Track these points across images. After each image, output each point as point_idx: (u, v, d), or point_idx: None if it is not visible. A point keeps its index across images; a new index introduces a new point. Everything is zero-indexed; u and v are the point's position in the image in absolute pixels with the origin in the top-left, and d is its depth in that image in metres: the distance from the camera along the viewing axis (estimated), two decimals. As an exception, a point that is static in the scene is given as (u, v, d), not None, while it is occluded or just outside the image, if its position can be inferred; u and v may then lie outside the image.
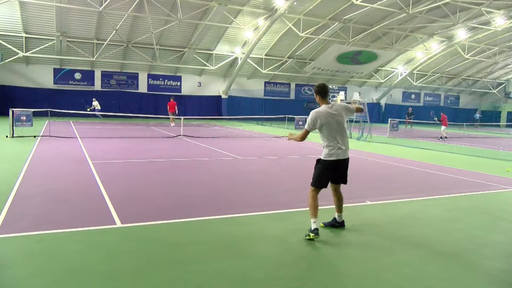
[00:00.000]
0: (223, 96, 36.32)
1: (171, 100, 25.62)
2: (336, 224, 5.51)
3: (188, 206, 6.43)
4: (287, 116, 25.73)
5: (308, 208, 5.20)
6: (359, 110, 5.68)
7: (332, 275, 4.10)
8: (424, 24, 30.88)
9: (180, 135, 18.28)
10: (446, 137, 22.25)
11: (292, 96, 40.36)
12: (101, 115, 28.63)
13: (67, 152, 11.81)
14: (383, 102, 44.92)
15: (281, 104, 38.48)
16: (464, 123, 31.38)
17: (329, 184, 5.33)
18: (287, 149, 14.92)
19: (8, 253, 4.33)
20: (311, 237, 4.91)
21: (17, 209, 5.83)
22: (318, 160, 5.24)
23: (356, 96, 25.35)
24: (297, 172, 10.23)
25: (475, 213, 6.70)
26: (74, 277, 3.80)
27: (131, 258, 4.28)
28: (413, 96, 47.27)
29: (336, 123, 5.13)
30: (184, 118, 20.78)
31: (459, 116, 45.50)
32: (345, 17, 28.84)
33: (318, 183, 5.17)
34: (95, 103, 28.91)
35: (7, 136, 15.02)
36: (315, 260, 4.46)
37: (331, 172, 5.20)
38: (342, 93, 23.69)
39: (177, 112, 25.37)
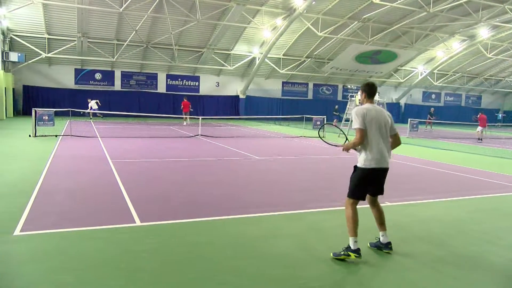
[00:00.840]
0: (241, 96, 36.40)
1: (185, 100, 26.48)
2: (381, 246, 4.71)
3: (206, 206, 6.46)
4: (304, 116, 25.64)
5: (346, 223, 4.50)
6: (396, 137, 4.75)
7: (351, 277, 4.06)
8: (445, 23, 30.35)
9: (198, 134, 18.39)
10: (479, 139, 21.57)
11: (310, 96, 40.18)
12: (101, 114, 27.96)
13: (88, 151, 12.01)
14: (402, 102, 44.32)
15: (299, 104, 38.35)
16: (486, 124, 30.66)
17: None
18: (305, 149, 14.86)
19: (33, 249, 4.42)
20: (352, 256, 4.30)
21: (40, 207, 5.95)
22: (355, 168, 4.60)
23: (375, 96, 25.07)
24: (314, 172, 10.18)
25: (499, 215, 6.55)
26: (97, 274, 3.87)
27: (151, 256, 4.32)
28: (433, 96, 46.51)
29: (380, 124, 4.50)
30: (202, 118, 20.89)
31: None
32: (364, 16, 28.57)
33: (355, 194, 4.51)
34: (91, 103, 27.75)
35: (29, 136, 15.36)
36: (332, 261, 4.41)
37: (371, 182, 4.56)
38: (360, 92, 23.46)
39: (191, 110, 26.28)
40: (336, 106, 30.45)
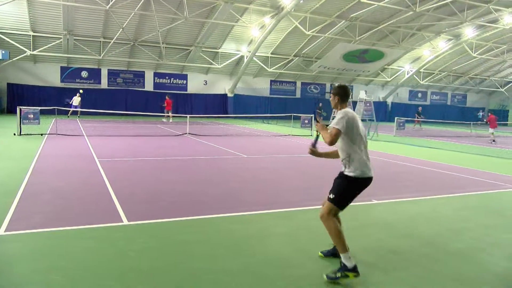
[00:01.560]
0: (229, 95, 36.32)
1: (167, 98, 27.74)
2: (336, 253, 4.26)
3: (195, 204, 6.42)
4: (293, 114, 25.67)
5: (332, 238, 4.03)
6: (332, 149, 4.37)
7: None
8: (432, 22, 30.68)
9: (186, 133, 18.30)
10: (493, 140, 20.85)
11: (298, 94, 40.27)
12: (71, 112, 26.10)
13: (74, 150, 11.86)
14: (389, 100, 44.71)
15: (287, 102, 38.40)
16: (472, 122, 31.16)
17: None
18: (293, 148, 14.89)
19: (22, 249, 4.36)
20: (351, 277, 3.84)
21: (26, 207, 5.85)
22: (345, 177, 4.09)
23: (362, 95, 25.26)
24: (303, 170, 10.20)
25: (485, 212, 6.64)
26: (86, 273, 3.83)
27: (139, 256, 4.28)
28: (419, 94, 47.00)
29: (363, 130, 4.16)
30: (190, 117, 20.79)
31: (466, 115, 45.20)
32: (351, 15, 28.71)
33: (341, 203, 4.05)
34: (75, 100, 26.40)
35: (14, 134, 15.10)
36: (321, 259, 4.42)
37: (359, 191, 4.12)
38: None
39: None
40: (320, 104, 30.56)
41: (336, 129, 3.96)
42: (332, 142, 3.97)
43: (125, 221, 5.36)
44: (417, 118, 31.99)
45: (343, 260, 3.88)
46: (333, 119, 4.53)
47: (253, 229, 5.33)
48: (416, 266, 4.31)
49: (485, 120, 23.96)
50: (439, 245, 4.98)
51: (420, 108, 33.76)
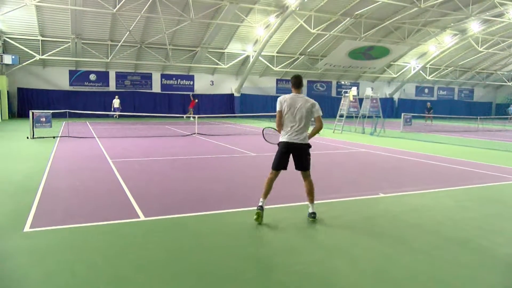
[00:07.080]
0: (236, 94, 36.60)
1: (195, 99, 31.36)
2: (309, 217, 5.66)
3: (206, 201, 6.68)
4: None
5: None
6: (317, 119, 5.74)
7: (345, 261, 4.30)
8: (437, 18, 30.70)
9: (194, 133, 18.58)
10: None
11: (304, 92, 40.36)
12: (117, 115, 29.23)
13: (87, 151, 12.19)
14: (396, 97, 44.71)
15: (293, 101, 38.55)
16: (478, 117, 31.09)
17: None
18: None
19: (46, 244, 4.62)
20: (257, 210, 5.48)
21: (46, 205, 6.15)
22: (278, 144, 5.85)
23: (368, 92, 25.32)
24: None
25: (488, 203, 6.82)
26: (110, 264, 4.11)
27: (158, 247, 4.55)
28: (426, 90, 46.94)
29: (294, 108, 5.58)
30: (198, 117, 21.09)
31: (474, 109, 45.09)
32: (356, 13, 28.83)
33: (272, 165, 5.85)
34: (115, 102, 30.00)
35: (27, 137, 15.47)
36: (332, 250, 4.65)
37: (287, 156, 5.71)
38: (354, 88, 23.74)
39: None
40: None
41: (277, 111, 5.89)
42: (279, 125, 5.94)
43: (142, 217, 5.63)
44: (427, 113, 32.01)
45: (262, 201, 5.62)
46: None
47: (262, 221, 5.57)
48: (418, 252, 4.52)
49: None
50: (441, 233, 5.18)
51: (429, 104, 33.78)
